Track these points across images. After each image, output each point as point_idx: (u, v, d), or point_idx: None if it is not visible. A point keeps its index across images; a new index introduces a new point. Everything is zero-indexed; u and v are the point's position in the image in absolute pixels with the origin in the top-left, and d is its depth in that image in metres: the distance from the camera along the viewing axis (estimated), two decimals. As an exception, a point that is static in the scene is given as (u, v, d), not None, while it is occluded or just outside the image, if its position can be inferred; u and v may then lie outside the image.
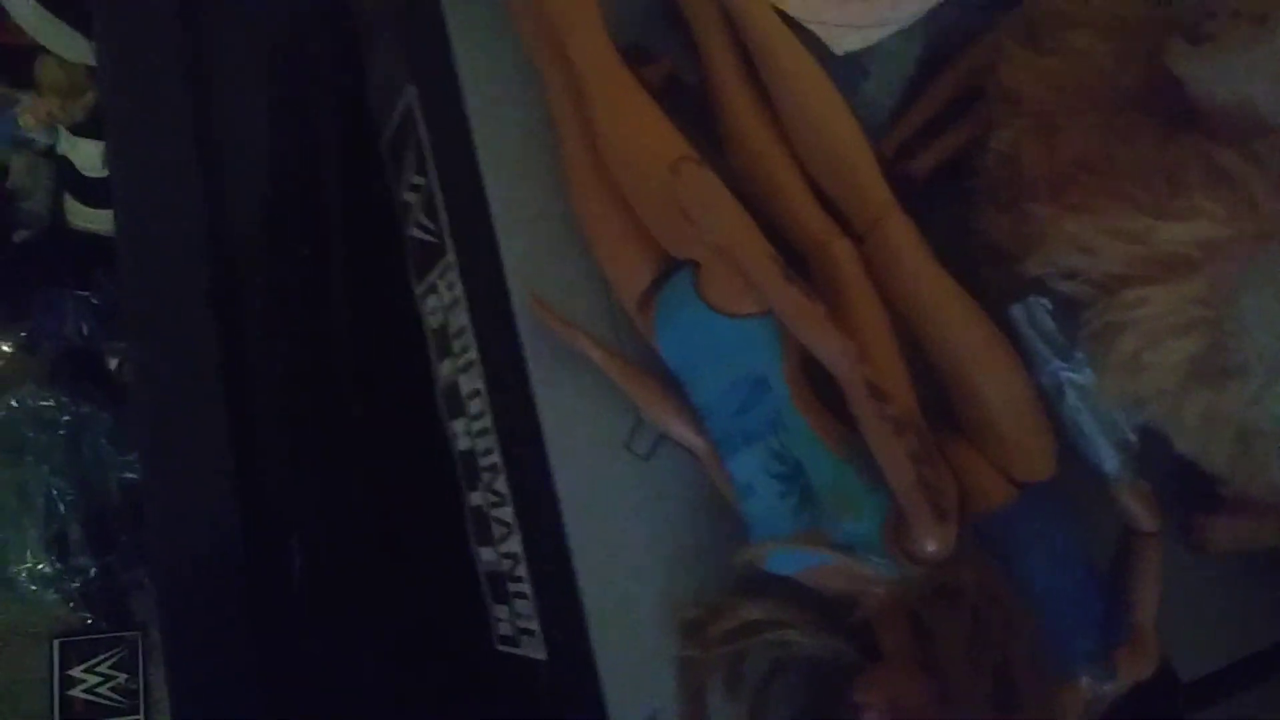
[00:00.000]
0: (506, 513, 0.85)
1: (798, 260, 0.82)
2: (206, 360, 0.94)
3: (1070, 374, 0.82)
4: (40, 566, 1.38)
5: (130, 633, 1.42)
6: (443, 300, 0.90)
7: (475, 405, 0.87)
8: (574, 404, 0.85)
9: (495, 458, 0.85)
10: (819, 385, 0.77)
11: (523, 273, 0.85)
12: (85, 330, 1.47)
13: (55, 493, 1.40)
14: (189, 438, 0.92)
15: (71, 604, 1.40)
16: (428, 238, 0.91)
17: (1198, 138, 0.74)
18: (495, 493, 0.86)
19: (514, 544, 0.84)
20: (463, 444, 0.90)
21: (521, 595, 0.85)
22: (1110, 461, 0.83)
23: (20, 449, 1.37)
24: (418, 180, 0.91)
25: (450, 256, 0.87)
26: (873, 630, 0.77)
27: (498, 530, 0.87)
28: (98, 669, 1.41)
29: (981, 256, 0.86)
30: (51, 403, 1.41)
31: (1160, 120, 0.78)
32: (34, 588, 1.37)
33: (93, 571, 1.39)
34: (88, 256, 1.46)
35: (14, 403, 1.36)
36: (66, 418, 1.42)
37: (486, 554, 0.88)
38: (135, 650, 1.41)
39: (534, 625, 0.83)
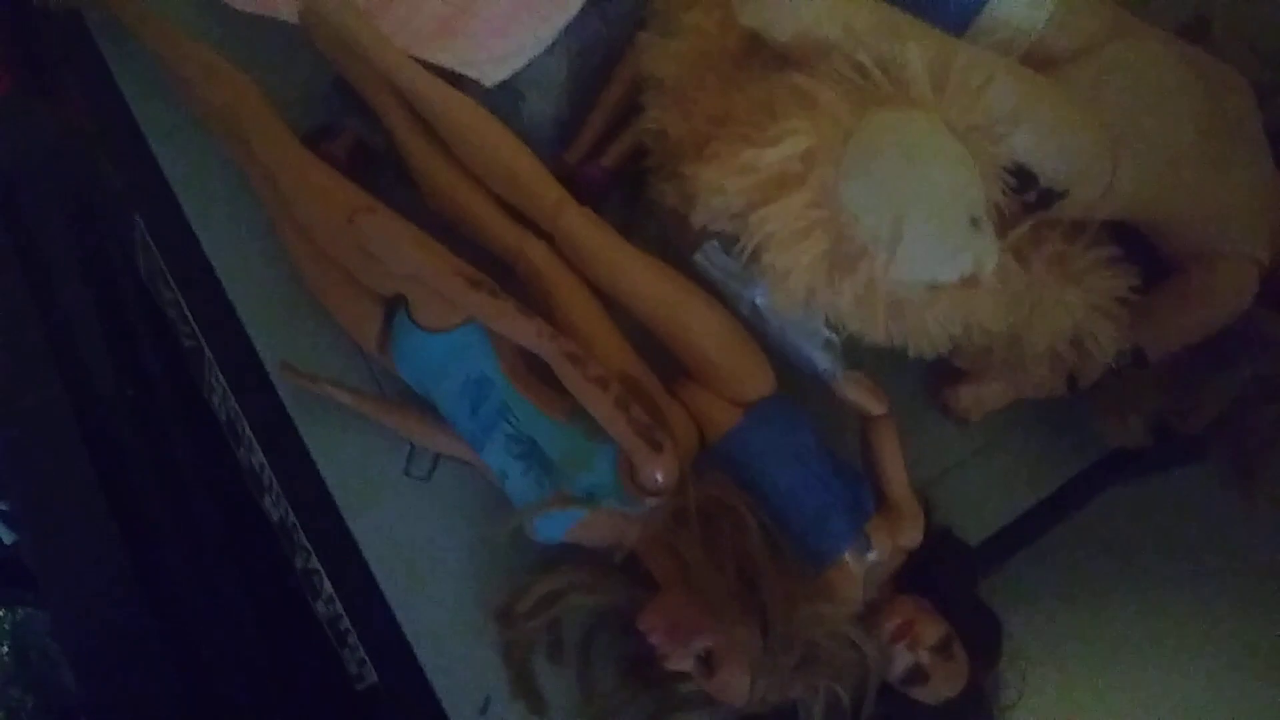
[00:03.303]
0: (317, 562, 0.93)
1: (507, 270, 0.93)
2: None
3: (761, 299, 0.93)
4: (25, 780, 1.38)
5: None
6: (218, 395, 0.99)
7: (267, 478, 0.95)
8: (348, 452, 0.93)
9: (294, 518, 0.93)
10: (539, 370, 0.87)
11: (273, 348, 0.95)
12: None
13: (14, 704, 1.41)
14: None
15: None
16: (191, 343, 0.99)
17: (786, 71, 0.86)
18: (305, 548, 0.94)
19: (329, 587, 0.92)
20: (274, 516, 0.98)
21: (350, 630, 0.92)
22: (821, 362, 0.93)
23: (-30, 676, 1.38)
24: (169, 294, 1.00)
25: (209, 354, 0.96)
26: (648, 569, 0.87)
27: (318, 582, 0.94)
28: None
29: (666, 223, 0.97)
30: (-11, 622, 1.41)
31: (762, 66, 0.90)
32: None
33: (76, 764, 1.38)
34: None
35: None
36: (7, 628, 1.43)
37: (319, 607, 0.95)
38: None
39: (364, 654, 0.91)
